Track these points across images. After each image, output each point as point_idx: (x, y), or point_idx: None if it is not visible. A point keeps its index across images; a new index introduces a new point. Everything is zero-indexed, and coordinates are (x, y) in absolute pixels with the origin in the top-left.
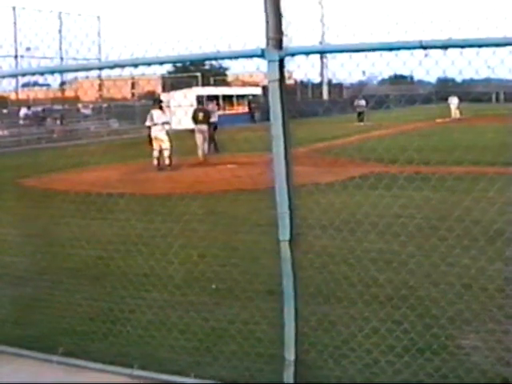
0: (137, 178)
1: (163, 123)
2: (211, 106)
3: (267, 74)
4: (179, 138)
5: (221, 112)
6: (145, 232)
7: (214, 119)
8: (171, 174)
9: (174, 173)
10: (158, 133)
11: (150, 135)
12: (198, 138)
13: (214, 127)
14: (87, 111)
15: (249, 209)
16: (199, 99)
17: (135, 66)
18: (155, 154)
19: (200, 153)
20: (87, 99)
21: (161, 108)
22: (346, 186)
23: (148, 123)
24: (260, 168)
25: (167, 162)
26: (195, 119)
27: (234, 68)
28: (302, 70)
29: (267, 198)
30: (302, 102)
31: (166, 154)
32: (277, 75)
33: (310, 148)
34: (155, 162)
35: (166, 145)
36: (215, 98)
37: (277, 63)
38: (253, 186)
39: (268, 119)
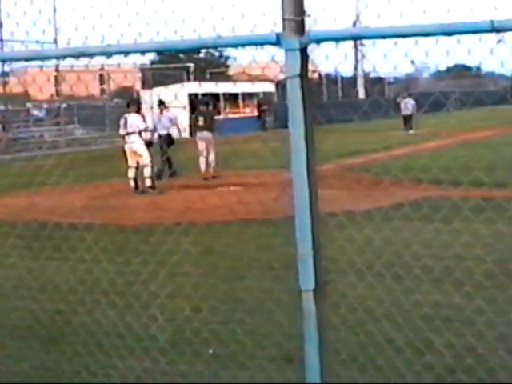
0: (109, 204)
1: (141, 131)
2: (165, 111)
3: (284, 67)
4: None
5: (221, 116)
6: (119, 277)
7: (163, 129)
8: (155, 198)
9: (160, 197)
10: (133, 145)
11: (124, 147)
12: (201, 147)
13: (168, 141)
14: (40, 113)
15: (258, 246)
16: (193, 99)
17: (108, 55)
18: (130, 173)
19: (202, 167)
20: (40, 97)
21: (138, 111)
22: (389, 217)
23: (121, 131)
24: (273, 191)
25: (148, 183)
26: (195, 125)
27: (239, 57)
28: (330, 61)
29: (283, 232)
30: (330, 103)
31: (147, 172)
32: (297, 69)
33: (340, 164)
34: (132, 183)
35: (146, 160)
36: (214, 96)
37: (297, 53)
38: (264, 216)
39: (284, 126)
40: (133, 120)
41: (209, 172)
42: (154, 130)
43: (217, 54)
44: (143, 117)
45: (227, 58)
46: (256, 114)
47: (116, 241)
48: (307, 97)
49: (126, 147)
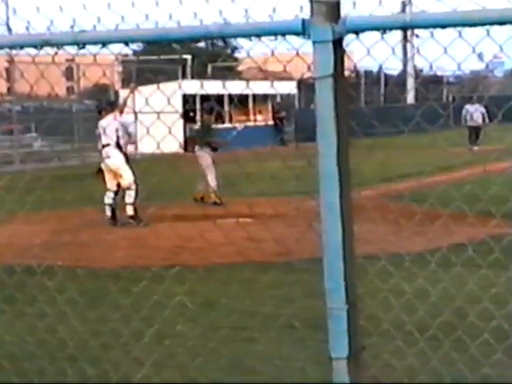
0: (79, 241)
1: (117, 141)
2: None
3: (313, 64)
4: (153, 166)
5: (225, 125)
6: (92, 339)
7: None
8: (139, 232)
9: (145, 231)
10: (110, 161)
11: (100, 165)
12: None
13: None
14: None
15: (275, 299)
16: (188, 101)
17: (80, 44)
18: (107, 199)
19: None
20: None
21: (113, 111)
22: (449, 262)
23: (99, 145)
24: (295, 226)
25: (130, 211)
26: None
27: (251, 48)
28: (372, 56)
29: (308, 281)
30: (370, 109)
31: (128, 198)
32: (330, 67)
33: (384, 191)
34: (108, 212)
35: (127, 181)
36: (217, 99)
37: (330, 46)
38: (282, 258)
39: (308, 139)
40: (108, 126)
41: (206, 195)
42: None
43: (221, 43)
44: (123, 122)
45: (235, 48)
46: (271, 122)
47: (87, 290)
48: (342, 103)
49: (103, 164)
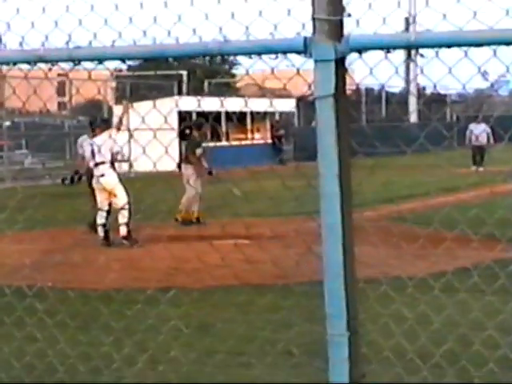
0: (70, 261)
1: (114, 160)
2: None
3: (314, 83)
4: (148, 186)
5: (222, 143)
6: (83, 364)
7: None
8: (132, 253)
9: (139, 252)
10: (104, 179)
11: (90, 182)
12: (188, 182)
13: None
14: None
15: (272, 323)
16: (185, 119)
17: (76, 61)
18: (100, 219)
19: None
20: None
21: (107, 129)
22: (452, 288)
23: (91, 163)
24: (294, 247)
25: (123, 232)
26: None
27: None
28: (374, 75)
29: (307, 305)
30: (371, 128)
31: (122, 218)
32: (331, 87)
33: (385, 213)
34: (101, 232)
35: (122, 201)
36: (214, 117)
37: (332, 65)
38: (280, 281)
39: (309, 158)
40: (101, 143)
41: (187, 214)
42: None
43: (219, 59)
44: (114, 140)
45: (233, 64)
46: (269, 140)
47: (78, 312)
48: (343, 122)
49: (94, 182)
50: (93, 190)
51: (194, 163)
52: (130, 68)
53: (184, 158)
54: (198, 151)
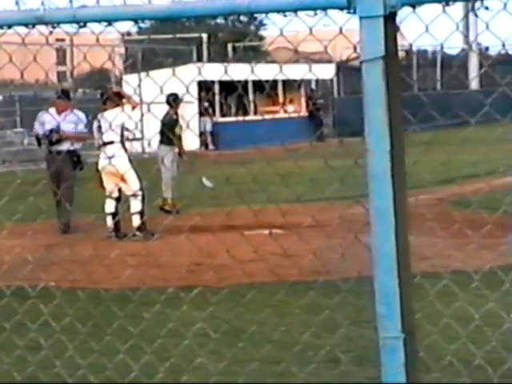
0: (77, 257)
1: (123, 137)
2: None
3: (360, 44)
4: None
5: (250, 117)
6: (95, 375)
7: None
8: (149, 247)
9: (156, 245)
10: (118, 161)
11: (97, 165)
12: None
13: (70, 163)
14: None
15: (313, 325)
16: (204, 89)
17: (80, 23)
18: (108, 207)
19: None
20: None
21: (119, 105)
22: None
23: (98, 140)
24: (338, 237)
25: (136, 222)
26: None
27: (278, 23)
28: (429, 33)
29: (353, 304)
30: (426, 95)
31: (135, 206)
32: (381, 48)
33: (444, 195)
34: (109, 222)
35: (134, 187)
36: (236, 86)
37: (380, 22)
38: (322, 277)
39: (351, 132)
40: (111, 119)
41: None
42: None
43: (244, 17)
44: (123, 113)
45: (261, 24)
46: (305, 113)
47: (89, 316)
48: (395, 91)
49: (101, 165)
50: (100, 175)
51: (174, 144)
52: (140, 31)
53: (160, 138)
54: (177, 130)
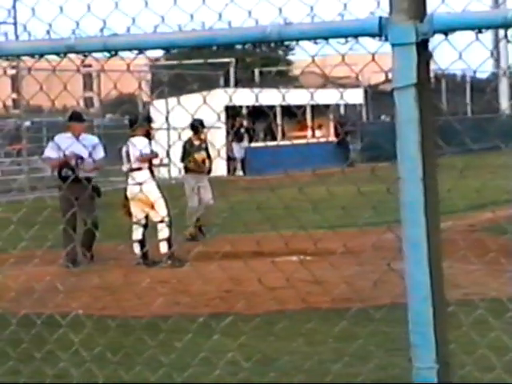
0: (106, 284)
1: (151, 164)
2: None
3: (393, 71)
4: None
5: (279, 143)
6: None
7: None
8: (179, 274)
9: (186, 272)
10: (148, 188)
11: (125, 191)
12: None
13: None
14: None
15: (345, 354)
16: (231, 114)
17: (111, 51)
18: (136, 233)
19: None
20: None
21: (148, 134)
22: None
23: (124, 167)
24: (370, 264)
25: (164, 249)
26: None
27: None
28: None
29: (386, 332)
30: (457, 120)
31: (163, 233)
32: (413, 74)
33: (477, 221)
34: (137, 249)
35: (161, 211)
36: (263, 111)
37: (413, 49)
38: (355, 304)
39: (379, 157)
40: (137, 146)
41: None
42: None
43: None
44: (154, 141)
45: (289, 49)
46: (332, 137)
47: (119, 345)
48: (427, 117)
49: (130, 192)
50: (127, 202)
51: (194, 170)
52: (167, 56)
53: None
54: (197, 156)
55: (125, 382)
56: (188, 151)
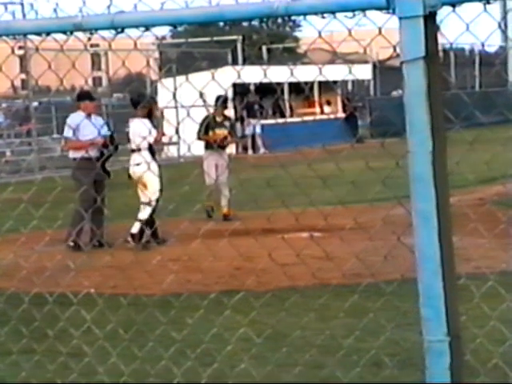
0: (118, 262)
1: (150, 145)
2: None
3: (400, 44)
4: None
5: (288, 120)
6: (139, 380)
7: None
8: (191, 252)
9: (198, 250)
10: (138, 169)
11: (128, 171)
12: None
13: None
14: None
15: (356, 329)
16: (239, 92)
17: (118, 28)
18: (142, 213)
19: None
20: None
21: (150, 114)
22: None
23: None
24: (380, 238)
25: (135, 229)
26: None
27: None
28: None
29: (396, 307)
30: (466, 94)
31: (142, 214)
32: (421, 48)
33: (487, 194)
34: (134, 229)
35: (150, 194)
36: (271, 89)
37: (420, 22)
38: (365, 279)
39: (391, 133)
40: (135, 129)
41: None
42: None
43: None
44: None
45: (297, 25)
46: (341, 114)
47: (132, 322)
48: (436, 91)
49: (131, 171)
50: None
51: (212, 148)
52: (174, 35)
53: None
54: (218, 132)
55: (138, 359)
56: (209, 127)
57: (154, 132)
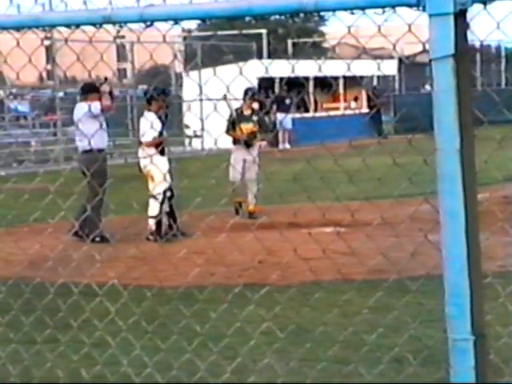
0: (142, 254)
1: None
2: None
3: (430, 41)
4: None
5: (310, 114)
6: (162, 374)
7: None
8: (216, 245)
9: (223, 243)
10: (145, 162)
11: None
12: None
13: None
14: (21, 106)
15: (380, 325)
16: (264, 86)
17: (147, 21)
18: (152, 208)
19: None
20: (22, 81)
21: (161, 109)
22: None
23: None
24: (406, 235)
25: (151, 224)
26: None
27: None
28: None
29: (421, 304)
30: (494, 91)
31: (151, 209)
32: (450, 45)
33: (510, 193)
34: (151, 221)
35: (157, 188)
36: (299, 83)
37: (450, 19)
38: (390, 276)
39: (413, 129)
40: (143, 125)
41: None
42: None
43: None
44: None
45: (322, 19)
46: (365, 110)
47: (156, 314)
48: (465, 88)
49: (142, 165)
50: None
51: (239, 143)
52: (199, 28)
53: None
54: (245, 126)
55: (161, 351)
56: (236, 121)
57: (159, 126)
